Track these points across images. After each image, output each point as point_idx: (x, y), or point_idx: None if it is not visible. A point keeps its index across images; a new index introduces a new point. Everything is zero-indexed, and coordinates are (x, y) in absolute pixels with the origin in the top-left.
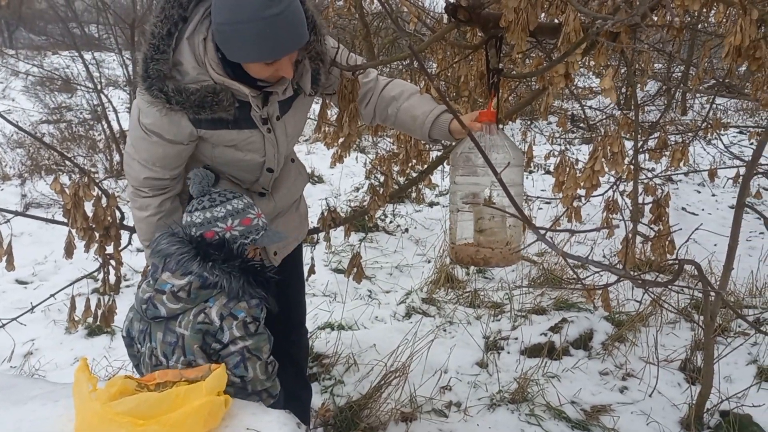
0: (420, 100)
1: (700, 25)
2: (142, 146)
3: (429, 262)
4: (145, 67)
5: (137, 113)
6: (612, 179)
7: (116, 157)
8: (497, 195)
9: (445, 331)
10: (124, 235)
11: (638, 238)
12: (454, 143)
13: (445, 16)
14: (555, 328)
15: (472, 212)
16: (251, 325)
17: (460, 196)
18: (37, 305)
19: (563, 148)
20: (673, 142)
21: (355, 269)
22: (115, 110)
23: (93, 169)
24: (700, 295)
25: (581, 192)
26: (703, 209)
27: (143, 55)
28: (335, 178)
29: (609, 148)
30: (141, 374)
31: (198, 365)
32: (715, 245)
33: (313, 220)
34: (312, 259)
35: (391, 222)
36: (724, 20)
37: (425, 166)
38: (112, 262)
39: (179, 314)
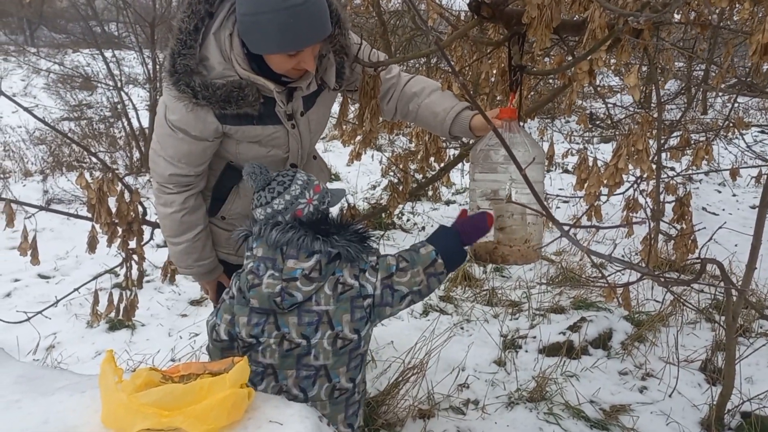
0: (441, 97)
1: (722, 24)
2: (168, 143)
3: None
4: (173, 62)
5: (163, 110)
6: (632, 178)
7: (136, 154)
8: (516, 192)
9: (462, 329)
10: (147, 231)
11: (660, 237)
12: (473, 140)
13: (468, 13)
14: (574, 327)
15: (492, 209)
16: (375, 264)
17: (479, 194)
18: (61, 299)
19: (582, 146)
20: (695, 141)
21: None
22: (135, 108)
23: (114, 166)
24: (722, 295)
25: (603, 190)
26: (723, 209)
27: (170, 50)
28: (352, 176)
29: (633, 145)
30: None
31: (345, 336)
32: (736, 245)
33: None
34: None
35: (408, 220)
36: (750, 18)
37: (444, 164)
38: (135, 256)
39: (313, 294)
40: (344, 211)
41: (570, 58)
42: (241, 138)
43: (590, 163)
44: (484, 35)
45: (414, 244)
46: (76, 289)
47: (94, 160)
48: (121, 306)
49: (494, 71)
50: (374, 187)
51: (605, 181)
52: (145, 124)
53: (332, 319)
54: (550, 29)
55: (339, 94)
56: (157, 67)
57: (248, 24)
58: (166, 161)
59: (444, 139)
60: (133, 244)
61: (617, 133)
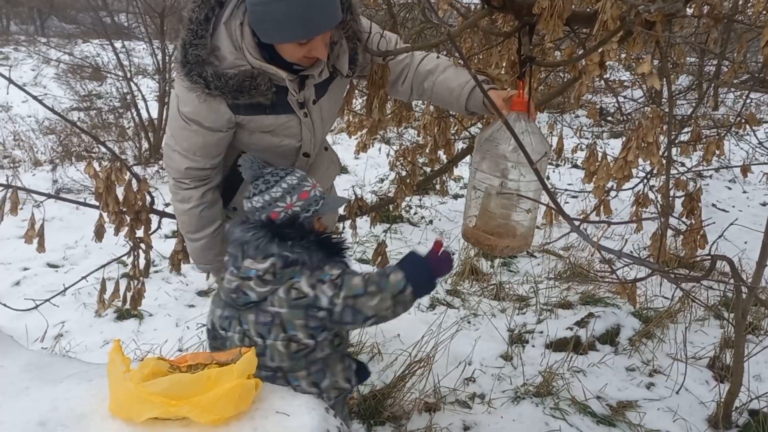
0: (456, 72)
1: (736, 17)
2: (183, 135)
3: (454, 254)
4: (184, 53)
5: (176, 102)
6: (642, 173)
7: (145, 145)
8: (510, 182)
9: (469, 323)
10: (154, 220)
11: (669, 233)
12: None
13: (479, 3)
14: (581, 323)
15: (485, 196)
16: (337, 280)
17: (481, 183)
18: (68, 287)
19: (592, 141)
20: (706, 137)
21: (380, 257)
22: (144, 98)
23: (123, 156)
24: (731, 292)
25: (612, 183)
26: (733, 206)
27: (182, 41)
28: (360, 168)
29: (643, 138)
30: None
31: (298, 339)
32: (746, 243)
33: (340, 209)
34: None
35: (415, 213)
36: (764, 12)
37: (452, 157)
38: (142, 246)
39: (268, 295)
40: (351, 203)
41: (581, 50)
42: (254, 128)
43: (599, 157)
44: (494, 26)
45: (382, 269)
46: (84, 278)
47: (103, 150)
48: (128, 295)
49: (504, 63)
50: (382, 180)
51: (614, 175)
52: (155, 114)
53: (284, 322)
54: (561, 20)
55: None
56: (167, 57)
57: (258, 13)
58: (181, 155)
59: (454, 131)
60: (140, 233)
61: (627, 127)
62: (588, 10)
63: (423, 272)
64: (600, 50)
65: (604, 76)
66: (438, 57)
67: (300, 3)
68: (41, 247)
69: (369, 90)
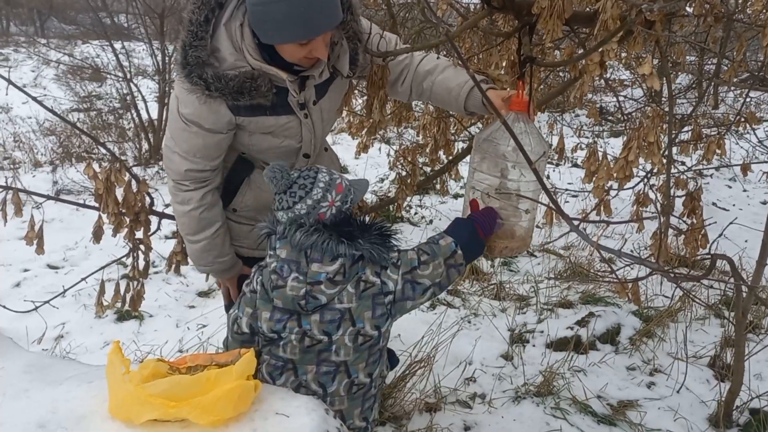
0: (455, 72)
1: (735, 16)
2: (182, 137)
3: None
4: (184, 54)
5: (176, 104)
6: (642, 172)
7: (145, 146)
8: (510, 182)
9: (469, 323)
10: (154, 221)
11: (670, 232)
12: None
13: (478, 3)
14: (582, 322)
15: (483, 197)
16: (395, 261)
17: (480, 183)
18: (68, 289)
19: (592, 140)
20: (707, 136)
21: None
22: (144, 99)
23: (123, 157)
24: (731, 291)
25: (613, 184)
26: (734, 205)
27: (182, 42)
28: (360, 168)
29: (644, 138)
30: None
31: (366, 332)
32: (746, 241)
33: None
34: None
35: (416, 213)
36: (764, 10)
37: (452, 157)
38: (142, 247)
39: (336, 295)
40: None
41: (581, 50)
42: (254, 129)
43: (599, 156)
44: (494, 26)
45: (432, 236)
46: (83, 279)
47: (103, 151)
48: (128, 296)
49: (504, 63)
50: (382, 180)
51: (615, 175)
52: (154, 115)
53: (354, 316)
54: (561, 20)
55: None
56: (166, 58)
57: (259, 14)
58: (181, 157)
59: (453, 131)
60: (139, 234)
61: (628, 127)
62: (588, 9)
63: (470, 234)
64: (600, 50)
65: (605, 76)
66: (438, 57)
67: (301, 3)
68: (40, 249)
69: (369, 91)
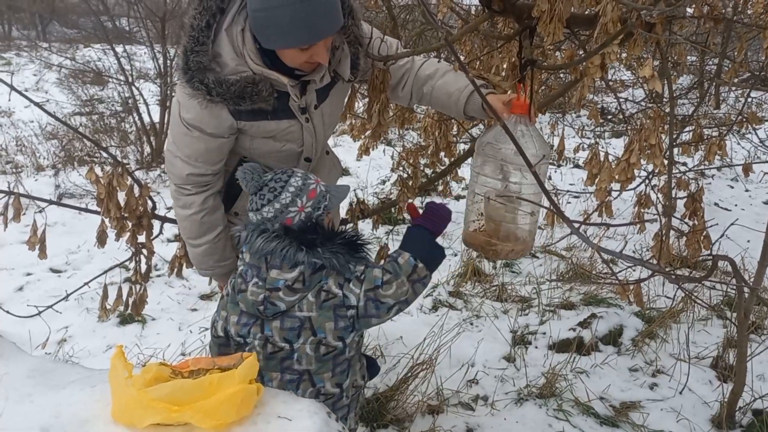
0: (455, 77)
1: (736, 17)
2: (184, 142)
3: (455, 255)
4: (186, 60)
5: (177, 108)
6: (644, 173)
7: (147, 149)
8: (512, 185)
9: (472, 324)
10: (156, 225)
11: (672, 233)
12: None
13: (479, 7)
14: (584, 324)
15: (486, 200)
16: (360, 275)
17: (482, 188)
18: (71, 293)
19: (593, 141)
20: (708, 136)
21: (382, 261)
22: (146, 102)
23: (125, 161)
24: (733, 291)
25: (615, 185)
26: (736, 205)
27: (183, 47)
28: (362, 170)
29: (646, 140)
30: None
31: (328, 342)
32: (749, 242)
33: (341, 212)
34: None
35: None
36: (765, 11)
37: (454, 159)
38: (144, 251)
39: (297, 303)
40: (353, 207)
41: (581, 52)
42: (256, 134)
43: (601, 158)
44: (494, 29)
45: (391, 253)
46: (86, 284)
47: (105, 154)
48: (130, 300)
49: (504, 65)
50: (384, 182)
51: (617, 177)
52: (156, 119)
53: (314, 325)
54: (561, 23)
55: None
56: (168, 62)
57: (260, 20)
58: (182, 161)
59: (455, 133)
60: (142, 238)
61: (629, 128)
62: (587, 12)
63: (425, 243)
64: (601, 52)
65: (605, 77)
66: (439, 61)
67: (302, 8)
68: (43, 254)
69: (370, 94)
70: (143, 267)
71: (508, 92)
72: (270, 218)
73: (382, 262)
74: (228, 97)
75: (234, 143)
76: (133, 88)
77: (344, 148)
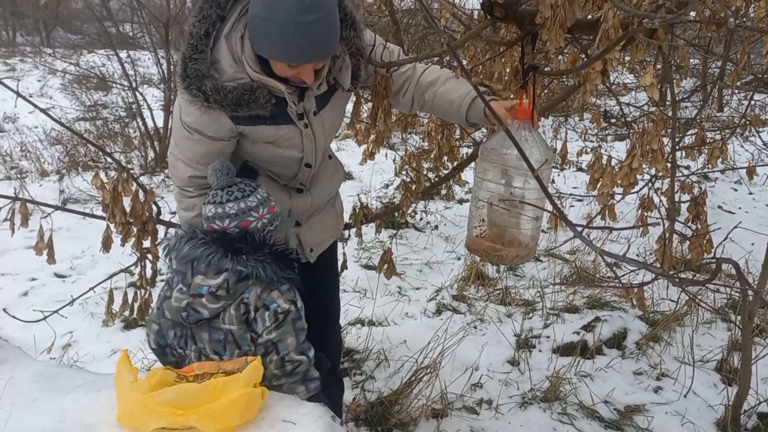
0: (457, 84)
1: (738, 21)
2: (186, 145)
3: (459, 259)
4: (184, 67)
5: (179, 111)
6: (647, 176)
7: (151, 154)
8: (515, 190)
9: (475, 328)
10: (161, 230)
11: (675, 237)
12: (487, 136)
13: (481, 12)
14: (588, 327)
15: (489, 206)
16: (281, 314)
17: (486, 194)
18: (76, 298)
19: (597, 144)
20: (710, 139)
21: (386, 265)
22: (149, 107)
23: (129, 165)
24: (737, 294)
25: (617, 190)
26: (740, 207)
27: (182, 54)
28: (365, 174)
29: (648, 145)
30: None
31: (253, 354)
32: (753, 244)
33: (345, 217)
34: (344, 255)
35: (421, 219)
36: (766, 17)
37: (457, 163)
38: (149, 256)
39: (220, 312)
40: (356, 211)
41: (584, 56)
42: (256, 138)
43: (604, 162)
44: (496, 34)
45: (306, 374)
46: (92, 289)
47: (109, 159)
48: (135, 305)
49: (507, 70)
50: (387, 186)
51: (619, 182)
52: (160, 123)
53: (237, 338)
54: (564, 29)
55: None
56: (172, 67)
57: (257, 25)
58: (184, 164)
59: (458, 137)
60: (147, 243)
61: (631, 132)
62: (590, 17)
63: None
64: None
65: (608, 82)
66: (441, 68)
67: (298, 30)
68: (51, 259)
69: (373, 101)
70: (149, 272)
71: (511, 95)
72: (230, 215)
73: (380, 275)
74: (225, 104)
75: (236, 146)
76: (137, 94)
77: (347, 152)
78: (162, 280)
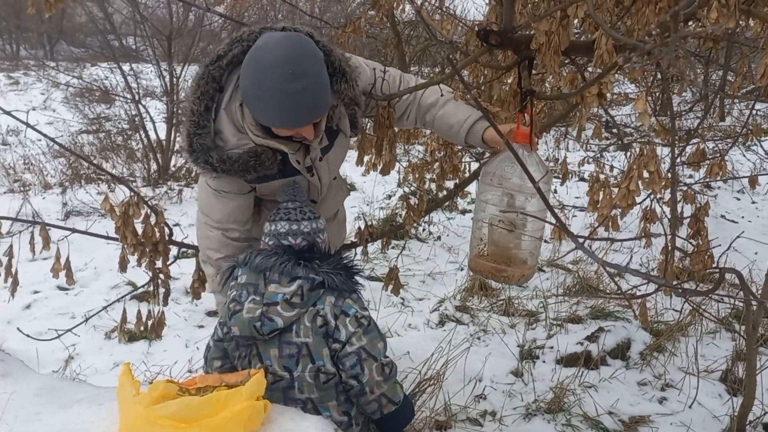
0: (455, 108)
1: (735, 38)
2: (216, 206)
3: (462, 269)
4: (189, 142)
5: (202, 178)
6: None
7: (153, 166)
8: (517, 216)
9: (479, 339)
10: (172, 251)
11: (677, 253)
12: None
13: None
14: (591, 338)
15: (491, 227)
16: (363, 320)
17: (481, 213)
18: (91, 317)
19: (597, 155)
20: (711, 151)
21: (393, 282)
22: (152, 120)
23: (131, 178)
24: (741, 304)
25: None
26: (742, 217)
27: (186, 131)
28: (368, 186)
29: (645, 167)
30: None
31: (327, 370)
32: (756, 254)
33: (347, 228)
34: None
35: (423, 230)
36: (762, 32)
37: (460, 181)
38: (161, 275)
39: (293, 324)
40: (361, 230)
41: (580, 76)
42: (267, 192)
43: (602, 180)
44: (493, 59)
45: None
46: (104, 308)
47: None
48: (149, 323)
49: (505, 88)
50: (390, 197)
51: (618, 204)
52: (162, 136)
53: (312, 352)
54: (558, 54)
55: None
56: (174, 80)
57: (250, 95)
58: (216, 229)
59: (460, 147)
60: (159, 263)
61: (628, 142)
62: (585, 38)
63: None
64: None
65: (606, 104)
66: (441, 91)
67: (288, 99)
68: (70, 280)
69: (377, 132)
70: (161, 291)
71: (509, 113)
72: (304, 232)
73: (386, 292)
74: (233, 172)
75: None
76: (140, 106)
77: (350, 163)
78: (171, 299)
